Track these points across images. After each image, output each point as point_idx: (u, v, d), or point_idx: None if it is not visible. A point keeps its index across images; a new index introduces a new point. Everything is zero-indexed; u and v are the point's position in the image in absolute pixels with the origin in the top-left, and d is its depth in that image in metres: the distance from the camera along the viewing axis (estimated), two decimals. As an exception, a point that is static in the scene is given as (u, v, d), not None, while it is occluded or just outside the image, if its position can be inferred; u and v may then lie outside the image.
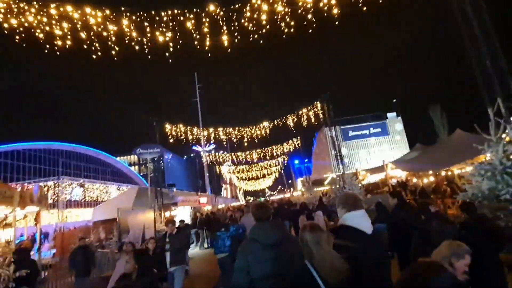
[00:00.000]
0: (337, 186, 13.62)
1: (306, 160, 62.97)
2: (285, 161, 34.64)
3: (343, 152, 45.48)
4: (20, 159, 42.58)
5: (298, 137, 24.48)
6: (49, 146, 48.48)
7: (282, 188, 72.15)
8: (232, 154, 26.43)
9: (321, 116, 14.48)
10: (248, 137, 16.38)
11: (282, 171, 57.30)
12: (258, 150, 25.05)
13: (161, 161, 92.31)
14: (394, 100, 43.46)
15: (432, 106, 40.02)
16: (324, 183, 36.60)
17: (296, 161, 64.08)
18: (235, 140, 16.91)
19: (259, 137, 16.09)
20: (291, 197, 29.52)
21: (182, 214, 16.89)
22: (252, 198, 69.58)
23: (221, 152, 29.79)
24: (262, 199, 57.99)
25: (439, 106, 39.28)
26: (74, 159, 56.81)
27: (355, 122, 42.91)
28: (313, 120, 14.72)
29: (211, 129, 17.68)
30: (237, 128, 16.43)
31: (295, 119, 14.88)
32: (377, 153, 40.09)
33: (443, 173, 13.20)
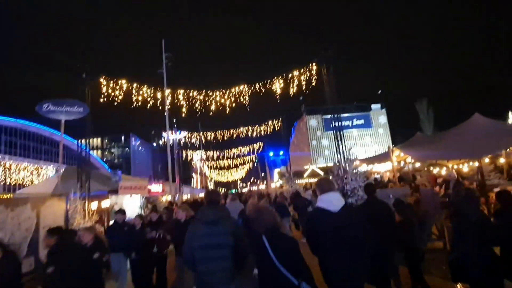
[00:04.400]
0: (336, 175, 10.20)
1: (282, 153, 60.10)
2: (261, 148, 31.04)
3: (324, 143, 42.92)
4: None
5: (280, 119, 20.85)
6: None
7: (256, 180, 68.96)
8: (202, 134, 22.30)
9: (314, 81, 10.83)
10: (221, 104, 12.39)
11: (256, 162, 54.04)
12: (232, 130, 21.18)
13: (127, 148, 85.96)
14: (380, 91, 41.32)
15: (419, 100, 38.30)
16: (304, 175, 33.72)
17: (271, 153, 61.00)
18: (207, 108, 12.84)
19: (235, 105, 12.14)
20: (268, 189, 26.28)
21: (128, 206, 12.79)
22: (223, 190, 65.82)
23: (190, 135, 25.58)
24: (233, 191, 54.62)
25: (426, 101, 37.61)
26: (20, 137, 49.83)
27: (337, 112, 40.14)
28: (304, 87, 11.02)
29: (179, 94, 13.40)
30: (208, 92, 12.34)
31: (282, 84, 11.11)
32: (359, 147, 37.70)
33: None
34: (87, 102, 9.18)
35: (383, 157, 14.26)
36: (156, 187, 12.30)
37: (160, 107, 16.82)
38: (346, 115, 39.22)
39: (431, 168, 18.53)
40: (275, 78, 10.94)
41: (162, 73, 19.94)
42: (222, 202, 5.84)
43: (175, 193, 19.40)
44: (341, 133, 12.00)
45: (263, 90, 11.09)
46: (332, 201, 2.85)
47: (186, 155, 38.98)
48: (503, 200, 4.03)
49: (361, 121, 40.52)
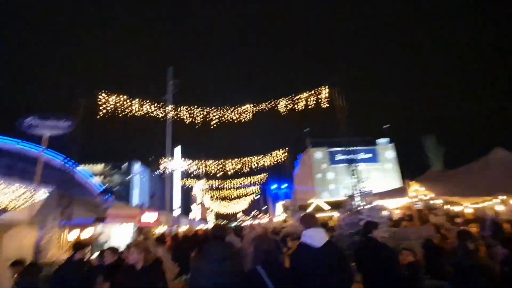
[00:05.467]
0: (348, 210, 9.09)
1: (285, 185, 58.52)
2: (264, 180, 29.88)
3: (329, 177, 41.52)
4: None
5: (285, 150, 19.98)
6: (-11, 142, 41.25)
7: (258, 213, 66.69)
8: (205, 162, 21.37)
9: (324, 104, 10.07)
10: (225, 127, 11.55)
11: (259, 194, 52.45)
12: (236, 160, 20.23)
13: (128, 175, 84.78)
14: (387, 126, 40.61)
15: (427, 136, 37.45)
16: (307, 210, 32.11)
17: (275, 186, 59.45)
18: (210, 134, 11.97)
19: (240, 132, 11.28)
20: (271, 223, 24.72)
21: (117, 237, 11.58)
22: (224, 222, 63.32)
23: (192, 165, 24.72)
24: (234, 224, 52.49)
25: (435, 137, 36.73)
26: (21, 160, 49.20)
27: (343, 145, 39.23)
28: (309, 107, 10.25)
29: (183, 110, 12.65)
30: (212, 117, 11.57)
31: (290, 105, 10.34)
32: (366, 181, 36.28)
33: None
34: (79, 119, 8.43)
35: (397, 192, 13.11)
36: (148, 217, 11.14)
37: (163, 134, 16.18)
38: (352, 148, 38.21)
39: (448, 207, 17.20)
40: (281, 99, 10.22)
41: (167, 100, 19.37)
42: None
43: (172, 224, 18.10)
44: (355, 166, 11.03)
45: (269, 114, 10.33)
46: (315, 237, 2.93)
47: (187, 185, 37.86)
48: None
49: (369, 155, 39.45)
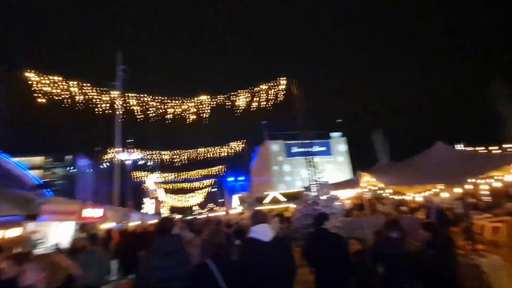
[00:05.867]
0: (306, 201, 9.09)
1: (243, 178, 58.54)
2: (221, 172, 29.39)
3: (286, 169, 42.36)
4: None
5: (243, 141, 19.66)
6: None
7: (214, 206, 66.08)
8: (158, 154, 20.17)
9: (282, 96, 9.91)
10: (179, 117, 10.79)
11: (215, 187, 51.92)
12: (191, 151, 19.38)
13: (72, 169, 78.04)
14: (340, 120, 42.38)
15: (375, 131, 39.89)
16: (263, 202, 32.40)
17: (231, 178, 59.16)
18: (164, 123, 11.16)
19: (194, 120, 10.62)
20: (228, 216, 24.42)
21: (56, 235, 10.41)
22: (180, 216, 61.63)
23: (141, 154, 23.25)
24: (189, 217, 51.31)
25: (382, 132, 39.25)
26: None
27: (299, 138, 40.14)
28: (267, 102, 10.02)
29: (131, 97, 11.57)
30: (165, 104, 10.73)
31: (249, 98, 9.98)
32: (321, 173, 37.66)
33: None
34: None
35: (350, 183, 13.57)
36: (92, 212, 10.10)
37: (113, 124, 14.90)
38: (308, 141, 39.25)
39: (394, 197, 18.39)
40: (240, 91, 9.81)
41: (116, 86, 17.85)
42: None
43: (121, 220, 16.90)
44: (311, 158, 11.09)
45: (228, 105, 9.86)
46: (264, 232, 3.03)
47: (139, 178, 35.98)
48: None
49: (323, 148, 40.87)
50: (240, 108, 10.07)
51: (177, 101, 10.35)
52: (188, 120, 10.47)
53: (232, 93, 9.49)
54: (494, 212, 11.46)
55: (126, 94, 13.10)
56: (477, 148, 12.87)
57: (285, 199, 32.63)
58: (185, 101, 10.14)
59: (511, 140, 21.73)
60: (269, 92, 9.81)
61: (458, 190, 8.63)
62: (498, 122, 25.06)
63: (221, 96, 9.66)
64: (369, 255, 4.16)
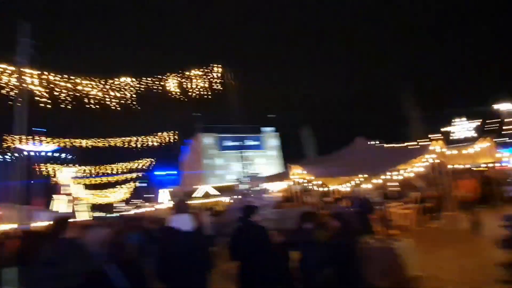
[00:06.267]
0: (237, 197, 8.90)
1: (174, 172, 56.20)
2: (150, 165, 27.51)
3: (218, 162, 41.88)
4: None
5: (175, 132, 18.52)
6: None
7: (142, 201, 62.03)
8: (73, 142, 17.65)
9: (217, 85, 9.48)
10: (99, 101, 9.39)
11: (143, 182, 48.87)
12: (115, 140, 17.43)
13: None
14: (272, 115, 43.66)
15: (303, 128, 42.12)
16: (194, 196, 31.55)
17: (161, 172, 56.23)
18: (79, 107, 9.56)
19: (117, 102, 9.36)
20: (156, 211, 22.93)
21: None
22: (102, 214, 55.98)
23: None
24: (111, 215, 47.30)
25: (310, 128, 41.64)
26: None
27: (232, 131, 40.08)
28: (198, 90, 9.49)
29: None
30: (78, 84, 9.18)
31: (180, 83, 9.21)
32: (253, 166, 38.31)
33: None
34: None
35: (281, 175, 13.90)
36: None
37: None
38: (241, 135, 39.47)
39: (318, 189, 19.55)
40: (170, 75, 8.96)
41: (19, 63, 14.99)
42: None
43: (24, 221, 14.44)
44: (244, 152, 10.93)
45: (154, 88, 8.88)
46: (183, 221, 3.05)
47: (50, 171, 31.59)
48: None
49: (256, 142, 41.61)
50: (171, 94, 9.21)
51: (96, 82, 8.96)
52: (111, 105, 9.16)
53: (159, 76, 8.58)
54: (403, 200, 13.00)
55: (32, 73, 11.09)
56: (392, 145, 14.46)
57: (217, 193, 32.34)
58: (106, 83, 8.81)
59: (414, 139, 25.29)
60: (203, 79, 9.19)
61: (377, 181, 9.49)
62: (405, 123, 28.90)
63: (148, 79, 8.65)
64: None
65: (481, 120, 23.89)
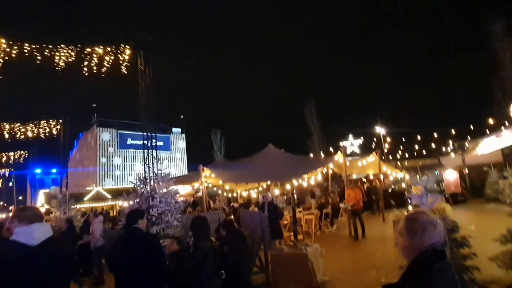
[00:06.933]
0: (139, 195, 7.75)
1: (56, 170, 47.65)
2: (22, 159, 22.47)
3: (116, 161, 37.34)
4: None
5: (60, 122, 15.40)
6: None
7: (11, 205, 50.38)
8: None
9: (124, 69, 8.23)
10: None
11: (11, 181, 40.26)
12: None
13: None
14: (182, 116, 41.74)
15: (214, 130, 41.81)
16: (84, 198, 27.49)
17: (38, 170, 46.98)
18: None
19: None
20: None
21: None
22: None
23: None
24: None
25: (220, 132, 41.57)
26: None
27: (135, 129, 36.45)
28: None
29: None
30: None
31: (76, 59, 7.51)
32: (162, 167, 35.59)
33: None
34: None
35: (191, 177, 13.10)
36: None
37: None
38: (145, 133, 36.18)
39: (223, 193, 19.46)
40: (61, 46, 7.18)
41: None
42: None
43: None
44: (152, 147, 9.79)
45: (37, 59, 6.92)
46: (31, 234, 2.47)
47: None
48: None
49: (161, 143, 38.99)
50: (59, 69, 7.33)
51: None
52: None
53: (46, 45, 6.69)
54: (302, 206, 13.87)
55: None
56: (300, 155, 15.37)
57: (111, 196, 28.73)
58: None
59: (316, 152, 27.93)
60: (106, 59, 7.70)
61: (287, 187, 9.74)
62: (308, 136, 31.72)
63: (31, 46, 6.64)
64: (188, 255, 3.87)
65: (364, 138, 28.09)
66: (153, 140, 10.01)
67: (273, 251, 6.17)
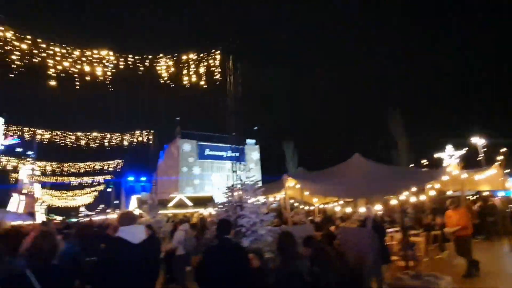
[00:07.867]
0: (227, 205, 7.35)
1: (145, 179, 52.99)
2: (119, 167, 25.12)
3: (195, 171, 39.67)
4: None
5: (151, 132, 16.68)
6: None
7: (107, 208, 57.87)
8: (33, 135, 15.30)
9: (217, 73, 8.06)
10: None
11: (110, 187, 45.56)
12: (81, 135, 15.23)
13: None
14: (256, 128, 42.23)
15: (286, 142, 41.24)
16: (168, 204, 29.39)
17: (131, 178, 52.87)
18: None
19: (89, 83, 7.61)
20: (108, 220, 20.58)
21: None
22: (62, 218, 51.29)
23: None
24: (74, 220, 43.54)
25: (292, 144, 40.80)
26: None
27: (213, 140, 38.25)
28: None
29: None
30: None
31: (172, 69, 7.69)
32: (231, 180, 36.55)
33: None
34: None
35: (279, 187, 12.50)
36: None
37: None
38: (222, 145, 37.80)
39: (302, 206, 18.32)
40: (162, 55, 7.41)
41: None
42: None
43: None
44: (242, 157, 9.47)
45: (140, 69, 7.26)
46: (133, 233, 2.94)
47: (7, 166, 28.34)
48: None
49: (236, 154, 39.97)
50: (161, 78, 7.59)
51: (60, 49, 7.15)
52: (77, 79, 7.34)
53: (147, 55, 7.01)
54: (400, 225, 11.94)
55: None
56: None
57: (192, 204, 30.21)
58: (83, 53, 7.01)
59: (406, 163, 24.93)
60: (200, 65, 7.70)
61: (391, 202, 8.31)
62: (393, 146, 28.78)
63: (134, 57, 7.02)
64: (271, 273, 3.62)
65: (466, 149, 23.91)
66: (225, 152, 9.68)
67: (386, 280, 4.99)
